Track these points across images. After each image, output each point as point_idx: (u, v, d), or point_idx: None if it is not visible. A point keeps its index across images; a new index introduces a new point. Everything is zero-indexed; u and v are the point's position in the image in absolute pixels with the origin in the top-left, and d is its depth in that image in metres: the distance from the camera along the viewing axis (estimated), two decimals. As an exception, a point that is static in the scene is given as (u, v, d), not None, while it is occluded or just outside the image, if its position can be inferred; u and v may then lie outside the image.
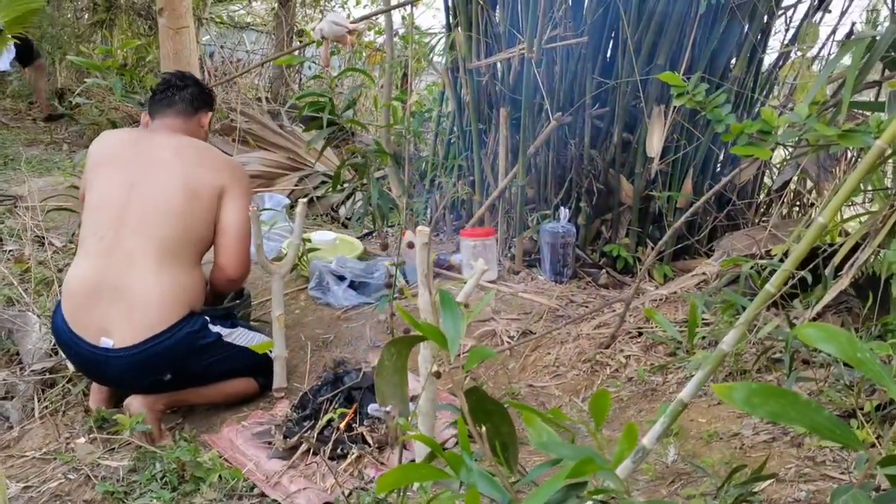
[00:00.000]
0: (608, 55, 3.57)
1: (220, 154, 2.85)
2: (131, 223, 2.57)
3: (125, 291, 2.52)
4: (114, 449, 2.55)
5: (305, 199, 2.79)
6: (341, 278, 3.35)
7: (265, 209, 3.90)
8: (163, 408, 2.67)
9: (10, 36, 8.52)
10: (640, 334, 2.84)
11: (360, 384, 2.55)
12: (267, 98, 7.22)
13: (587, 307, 3.15)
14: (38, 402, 2.95)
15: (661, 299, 3.02)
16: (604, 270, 3.52)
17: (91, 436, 2.63)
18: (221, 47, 8.43)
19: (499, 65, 3.63)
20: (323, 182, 5.35)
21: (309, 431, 2.44)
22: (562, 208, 3.43)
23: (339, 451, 2.38)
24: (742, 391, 1.19)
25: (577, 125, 3.57)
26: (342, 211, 5.19)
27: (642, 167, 3.51)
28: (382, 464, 2.36)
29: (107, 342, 2.52)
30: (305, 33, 5.17)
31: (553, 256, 3.40)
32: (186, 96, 2.84)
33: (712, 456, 2.10)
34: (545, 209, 3.63)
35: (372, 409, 2.47)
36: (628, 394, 2.55)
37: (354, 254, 3.58)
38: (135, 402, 2.60)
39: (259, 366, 2.81)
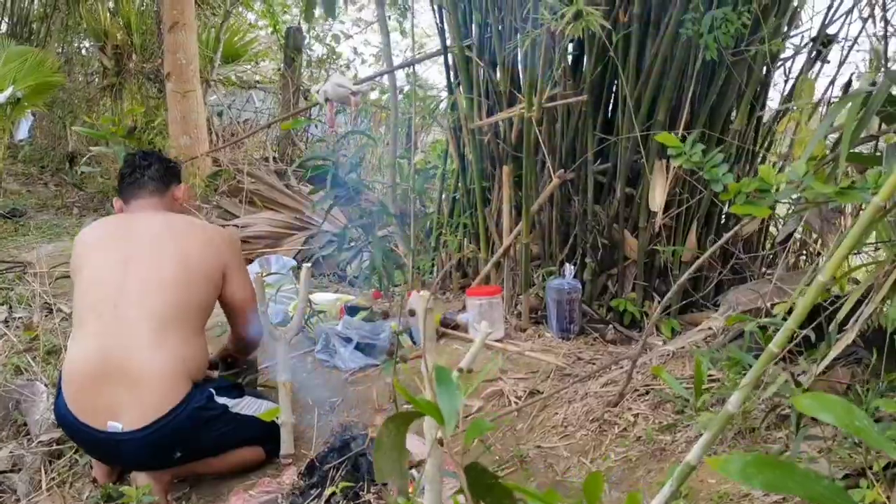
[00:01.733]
0: (608, 111, 3.59)
1: (211, 227, 2.89)
2: (129, 299, 2.58)
3: (128, 371, 2.52)
4: (121, 522, 2.54)
5: (310, 263, 2.80)
6: (348, 340, 3.35)
7: (271, 273, 3.92)
8: (169, 478, 2.66)
9: (27, 105, 8.67)
10: (648, 392, 2.82)
11: (365, 450, 2.53)
12: (274, 157, 7.29)
13: (594, 364, 3.14)
14: (46, 473, 2.95)
15: (668, 355, 3.00)
16: (611, 326, 3.50)
17: (99, 510, 2.62)
18: (229, 107, 8.53)
19: (500, 123, 3.66)
20: (329, 241, 5.38)
21: (315, 501, 2.43)
22: (567, 265, 3.43)
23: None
24: (737, 462, 1.18)
25: (580, 181, 3.58)
26: (349, 270, 5.20)
27: (646, 221, 3.52)
28: (389, 533, 2.34)
29: (114, 426, 2.51)
30: (310, 95, 5.24)
31: (559, 313, 3.40)
32: (154, 174, 2.88)
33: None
34: (551, 265, 3.64)
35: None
36: (637, 454, 2.53)
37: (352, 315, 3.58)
38: (141, 475, 2.60)
39: (267, 433, 2.80)
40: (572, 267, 3.42)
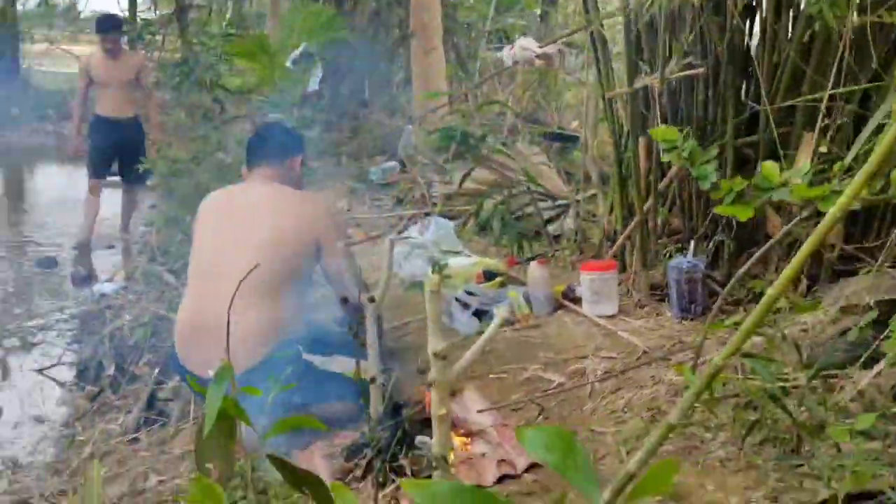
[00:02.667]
0: (749, 81, 3.37)
1: (309, 200, 3.15)
2: (225, 264, 2.93)
3: (220, 328, 2.87)
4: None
5: (396, 237, 2.99)
6: (466, 306, 3.51)
7: (413, 241, 4.11)
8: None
9: (318, 59, 9.57)
10: (724, 384, 2.70)
11: (417, 416, 2.72)
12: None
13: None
14: (195, 405, 3.45)
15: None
16: (741, 307, 3.33)
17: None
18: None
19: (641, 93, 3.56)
20: (535, 199, 5.48)
21: (363, 458, 2.67)
22: (691, 243, 3.31)
23: (381, 479, 2.57)
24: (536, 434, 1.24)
25: (721, 154, 3.40)
26: (551, 228, 5.28)
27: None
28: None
29: (211, 374, 2.90)
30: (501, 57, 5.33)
31: (679, 292, 3.29)
32: (276, 145, 3.16)
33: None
34: (689, 240, 3.51)
35: (418, 440, 2.63)
36: (673, 448, 2.47)
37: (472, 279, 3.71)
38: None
39: (355, 391, 3.06)
40: (693, 245, 3.29)
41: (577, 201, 4.95)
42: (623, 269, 3.67)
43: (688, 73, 3.14)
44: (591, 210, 4.95)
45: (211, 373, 2.82)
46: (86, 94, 7.12)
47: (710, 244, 3.47)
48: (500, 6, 9.84)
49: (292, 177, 3.25)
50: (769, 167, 1.95)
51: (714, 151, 2.02)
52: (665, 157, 2.05)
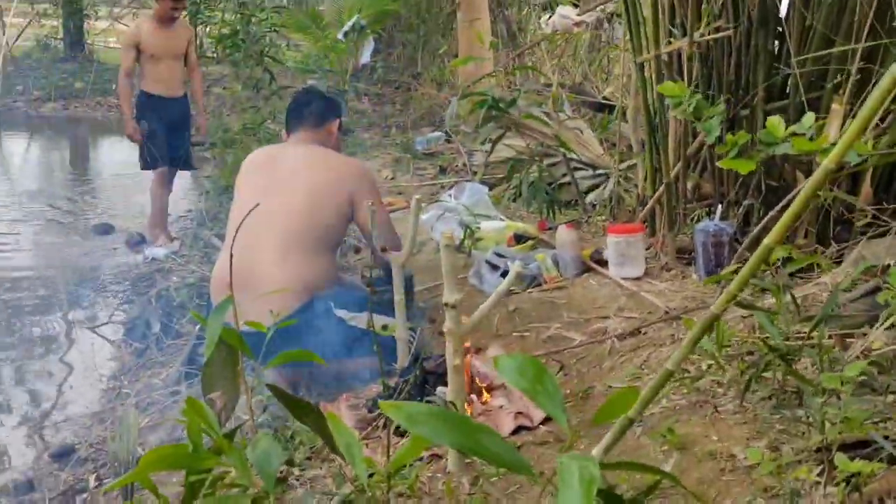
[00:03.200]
0: (780, 45, 3.35)
1: (343, 160, 3.25)
2: (262, 222, 3.05)
3: (255, 282, 3.00)
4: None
5: (419, 197, 3.06)
6: (496, 267, 3.57)
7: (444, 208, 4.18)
8: (292, 375, 3.14)
9: (369, 32, 9.66)
10: (745, 342, 2.73)
11: (436, 369, 2.80)
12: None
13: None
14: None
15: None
16: (767, 271, 3.34)
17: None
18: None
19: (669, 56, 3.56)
20: (575, 168, 5.49)
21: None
22: (719, 206, 3.33)
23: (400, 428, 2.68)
24: (408, 409, 1.32)
25: (752, 118, 3.40)
26: (590, 197, 5.30)
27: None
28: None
29: (245, 327, 3.02)
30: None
31: (706, 256, 3.31)
32: (314, 110, 3.27)
33: (692, 475, 2.07)
34: (720, 204, 3.53)
35: (438, 391, 2.72)
36: (685, 402, 2.51)
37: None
38: (271, 370, 3.11)
39: (382, 346, 3.16)
40: (721, 208, 3.31)
41: (618, 170, 4.97)
42: (653, 233, 3.70)
43: (715, 36, 3.14)
44: (632, 178, 4.96)
45: (243, 324, 2.95)
46: (132, 71, 6.22)
47: (741, 209, 3.47)
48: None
49: (330, 140, 3.36)
50: (773, 122, 1.97)
51: (720, 107, 2.04)
52: (672, 112, 2.09)
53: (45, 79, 14.21)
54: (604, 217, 4.24)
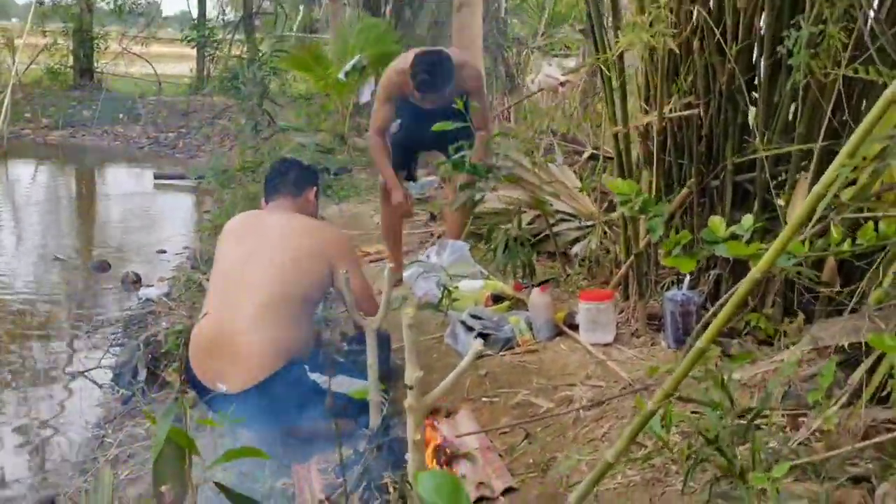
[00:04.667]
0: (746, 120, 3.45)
1: (321, 229, 3.36)
2: (242, 285, 3.16)
3: (232, 344, 3.10)
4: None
5: (392, 266, 3.15)
6: (471, 329, 3.66)
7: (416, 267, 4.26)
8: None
9: (370, 72, 9.80)
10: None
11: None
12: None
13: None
14: (212, 414, 3.66)
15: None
16: (736, 341, 3.42)
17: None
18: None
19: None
20: (562, 220, 5.58)
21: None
22: (686, 276, 3.41)
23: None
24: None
25: (721, 189, 3.50)
26: (575, 248, 5.39)
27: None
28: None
29: (221, 387, 3.12)
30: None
31: (673, 324, 3.40)
32: (291, 179, 3.37)
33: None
34: (688, 274, 3.61)
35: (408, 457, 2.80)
36: (640, 479, 2.59)
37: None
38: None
39: (357, 409, 3.24)
40: (688, 278, 3.39)
41: (602, 222, 5.05)
42: (626, 297, 3.78)
43: (684, 113, 3.25)
44: (618, 229, 5.05)
45: (220, 385, 3.04)
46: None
47: (711, 277, 3.55)
48: (553, 21, 9.93)
49: (307, 207, 3.46)
50: (715, 222, 2.06)
51: (664, 207, 2.13)
52: (620, 209, 2.18)
53: (54, 106, 14.44)
54: (581, 276, 4.32)
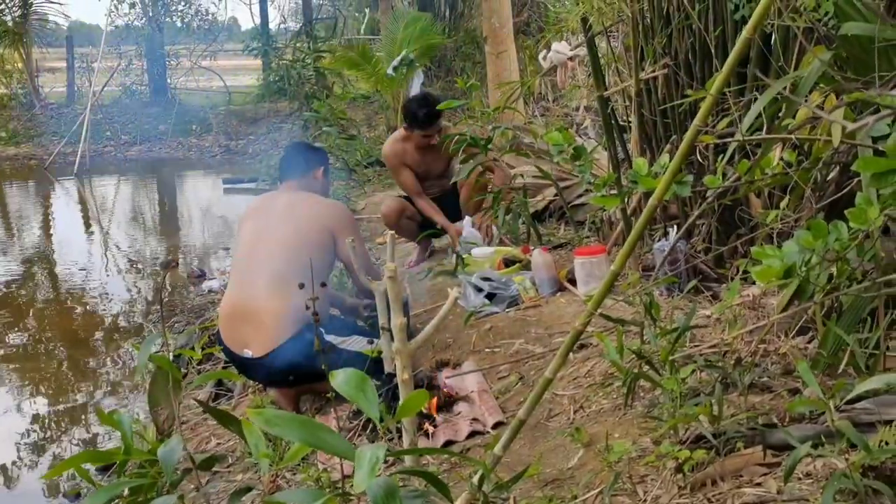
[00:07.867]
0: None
1: (323, 202, 3.69)
2: (257, 260, 3.52)
3: (253, 312, 3.46)
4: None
5: (392, 233, 3.47)
6: (480, 290, 3.96)
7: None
8: (294, 394, 3.58)
9: (418, 65, 10.16)
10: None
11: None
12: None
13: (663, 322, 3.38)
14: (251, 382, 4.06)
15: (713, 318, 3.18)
16: (724, 285, 3.64)
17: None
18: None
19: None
20: (587, 191, 5.82)
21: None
22: (674, 228, 3.65)
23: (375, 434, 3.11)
24: (267, 415, 1.73)
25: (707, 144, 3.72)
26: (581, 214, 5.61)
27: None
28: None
29: (247, 352, 3.49)
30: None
31: (663, 272, 3.64)
32: (301, 161, 3.72)
33: (588, 465, 2.44)
34: (675, 225, 3.84)
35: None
36: (610, 406, 2.86)
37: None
38: (272, 389, 3.58)
39: (371, 366, 3.57)
40: (674, 229, 3.63)
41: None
42: (625, 252, 4.03)
43: (651, 74, 3.49)
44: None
45: (246, 351, 3.42)
46: None
47: (704, 227, 3.77)
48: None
49: (316, 185, 3.81)
50: (639, 163, 2.32)
51: (593, 155, 2.39)
52: (555, 159, 2.45)
53: (132, 123, 15.24)
54: (593, 238, 4.58)
